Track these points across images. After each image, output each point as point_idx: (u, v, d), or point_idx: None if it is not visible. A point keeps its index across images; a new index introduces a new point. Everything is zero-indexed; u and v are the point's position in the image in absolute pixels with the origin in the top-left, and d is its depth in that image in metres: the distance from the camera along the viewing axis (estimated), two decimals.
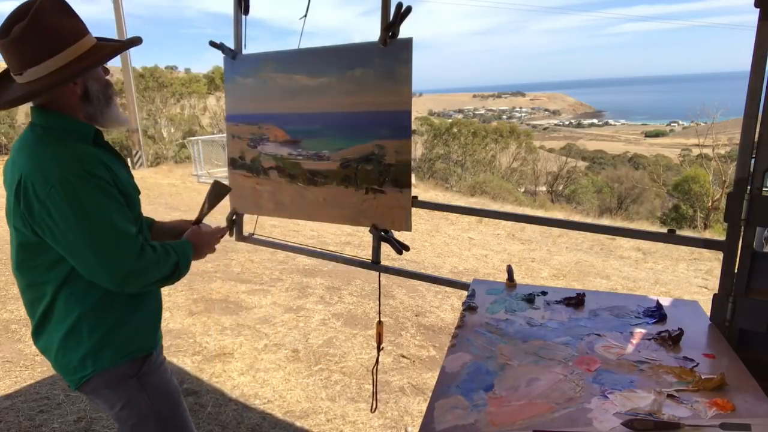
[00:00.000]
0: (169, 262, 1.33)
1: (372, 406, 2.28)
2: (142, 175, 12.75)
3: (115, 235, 1.23)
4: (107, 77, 1.37)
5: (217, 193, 1.62)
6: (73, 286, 1.30)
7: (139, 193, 1.46)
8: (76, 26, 1.26)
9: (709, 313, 1.65)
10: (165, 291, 5.08)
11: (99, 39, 1.35)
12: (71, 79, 1.25)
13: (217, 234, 1.58)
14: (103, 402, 1.42)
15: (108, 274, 1.23)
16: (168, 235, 1.60)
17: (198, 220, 1.61)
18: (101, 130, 1.37)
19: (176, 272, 1.36)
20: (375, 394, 2.25)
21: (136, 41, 1.37)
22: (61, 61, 1.23)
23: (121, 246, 1.23)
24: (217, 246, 1.59)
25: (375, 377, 2.22)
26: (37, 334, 1.42)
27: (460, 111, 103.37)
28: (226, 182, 1.69)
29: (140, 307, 1.42)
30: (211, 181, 1.67)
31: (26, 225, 1.24)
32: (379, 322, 2.18)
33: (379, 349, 2.19)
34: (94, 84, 1.32)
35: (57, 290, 1.31)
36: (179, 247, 1.39)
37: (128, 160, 16.91)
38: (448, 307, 4.59)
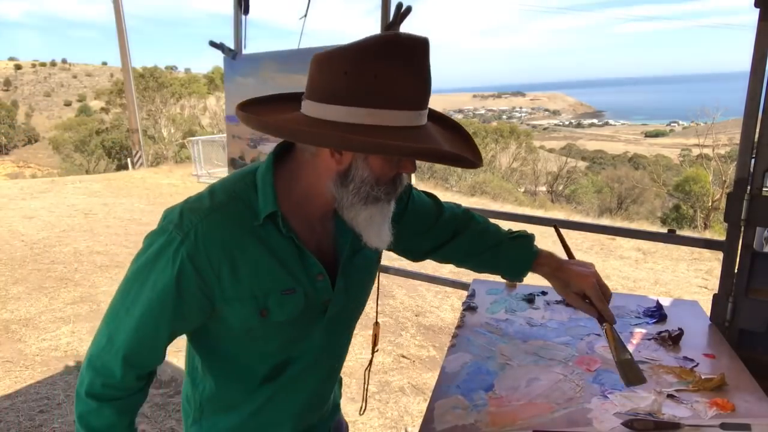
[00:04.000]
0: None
1: (361, 408, 2.28)
2: (142, 175, 12.75)
3: (113, 343, 0.93)
4: (401, 175, 0.94)
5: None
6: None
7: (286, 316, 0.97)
8: (397, 91, 0.83)
9: (709, 313, 1.65)
10: None
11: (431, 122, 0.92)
12: (319, 144, 0.88)
13: None
14: None
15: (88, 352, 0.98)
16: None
17: None
18: (287, 216, 0.94)
19: None
20: (365, 395, 2.24)
21: (465, 161, 0.90)
22: (344, 116, 0.83)
23: (105, 354, 0.93)
24: None
25: (367, 378, 2.21)
26: None
27: (460, 111, 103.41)
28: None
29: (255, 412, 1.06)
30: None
31: None
32: (376, 323, 2.17)
33: (374, 350, 2.17)
34: (365, 170, 0.90)
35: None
36: None
37: (128, 160, 16.96)
38: (448, 307, 4.59)
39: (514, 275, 1.32)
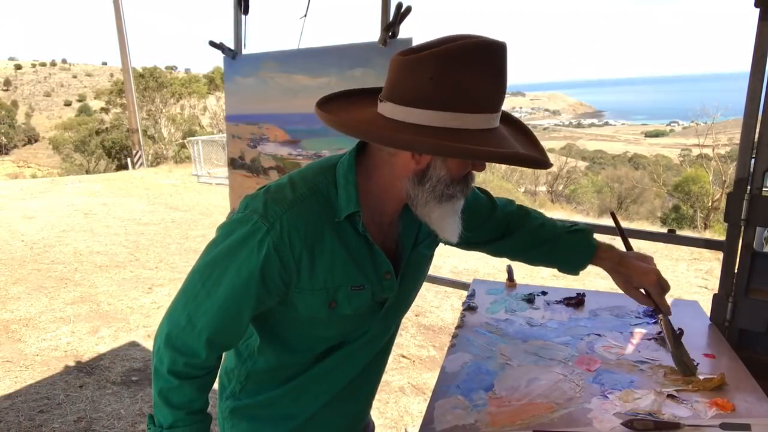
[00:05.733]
0: (165, 406, 1.00)
1: None
2: (142, 175, 12.75)
3: (200, 313, 0.95)
4: (471, 173, 0.98)
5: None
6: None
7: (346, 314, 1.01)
8: (479, 95, 0.85)
9: (709, 313, 1.65)
10: (164, 291, 5.06)
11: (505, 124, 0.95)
12: (414, 150, 0.89)
13: None
14: None
15: (161, 326, 1.00)
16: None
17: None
18: (362, 218, 0.96)
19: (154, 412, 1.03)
20: None
21: (541, 162, 0.90)
22: (429, 119, 0.85)
23: (189, 326, 0.95)
24: None
25: None
26: None
27: None
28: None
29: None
30: None
31: None
32: None
33: None
34: (442, 170, 0.93)
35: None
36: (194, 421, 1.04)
37: (128, 160, 16.96)
38: (448, 307, 4.59)
39: (572, 269, 1.34)
